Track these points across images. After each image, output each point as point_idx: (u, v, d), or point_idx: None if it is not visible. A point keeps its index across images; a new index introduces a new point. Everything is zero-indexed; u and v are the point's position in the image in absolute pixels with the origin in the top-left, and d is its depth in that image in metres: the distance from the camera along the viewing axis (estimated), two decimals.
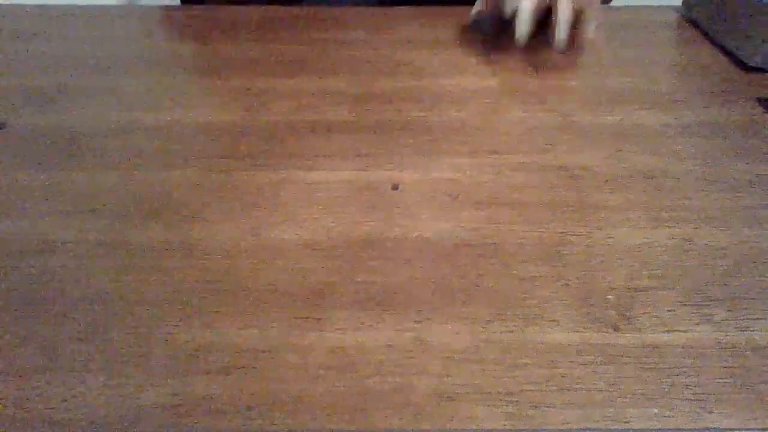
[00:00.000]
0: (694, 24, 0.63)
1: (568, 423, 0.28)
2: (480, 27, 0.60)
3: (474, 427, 0.28)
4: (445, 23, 0.63)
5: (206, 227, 0.39)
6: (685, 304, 0.34)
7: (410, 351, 0.31)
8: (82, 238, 0.38)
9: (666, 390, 0.30)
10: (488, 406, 0.29)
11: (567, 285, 0.35)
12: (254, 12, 0.65)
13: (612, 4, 0.67)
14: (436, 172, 0.43)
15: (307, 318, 0.33)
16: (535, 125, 0.48)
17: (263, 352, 0.31)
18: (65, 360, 0.31)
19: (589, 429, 0.28)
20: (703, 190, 0.42)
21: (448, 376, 0.30)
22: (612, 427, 0.28)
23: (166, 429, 0.28)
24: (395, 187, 0.42)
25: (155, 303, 0.34)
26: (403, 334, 0.32)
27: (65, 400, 0.29)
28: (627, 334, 0.32)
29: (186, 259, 0.37)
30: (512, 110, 0.50)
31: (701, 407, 0.29)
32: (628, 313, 0.33)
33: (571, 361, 0.31)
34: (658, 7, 0.66)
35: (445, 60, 0.57)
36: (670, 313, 0.33)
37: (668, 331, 0.32)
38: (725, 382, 0.30)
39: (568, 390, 0.30)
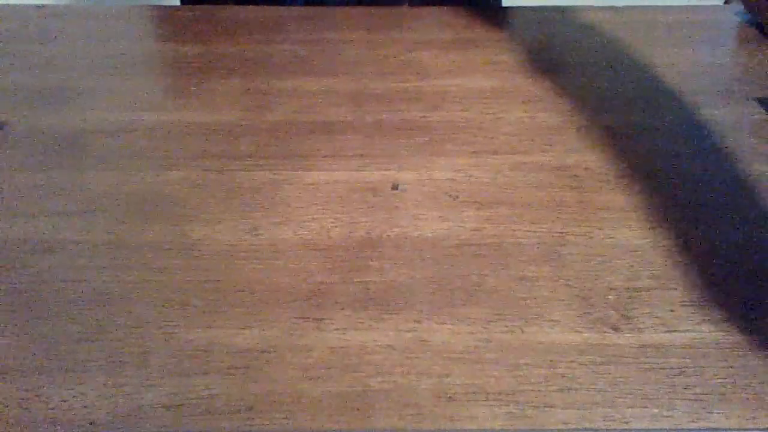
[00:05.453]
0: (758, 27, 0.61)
1: (568, 423, 0.28)
2: None
3: (474, 427, 0.28)
4: (446, 23, 0.63)
5: (206, 227, 0.39)
6: (685, 304, 0.34)
7: (410, 351, 0.31)
8: (82, 238, 0.38)
9: (666, 390, 0.30)
10: (488, 406, 0.29)
11: (567, 285, 0.35)
12: (254, 12, 0.65)
13: (614, 4, 0.67)
14: (436, 172, 0.43)
15: (307, 318, 0.33)
16: (535, 125, 0.48)
17: (263, 352, 0.31)
18: (65, 360, 0.31)
19: (589, 429, 0.28)
20: (702, 190, 0.42)
21: (448, 376, 0.30)
22: (612, 427, 0.28)
23: (166, 429, 0.28)
24: (395, 187, 0.42)
25: (155, 303, 0.34)
26: (403, 334, 0.32)
27: (65, 400, 0.29)
28: (627, 334, 0.32)
29: (186, 259, 0.37)
30: (512, 110, 0.50)
31: (701, 407, 0.29)
32: (628, 313, 0.33)
33: (571, 361, 0.31)
34: (662, 7, 0.65)
35: (445, 60, 0.57)
36: (670, 313, 0.33)
37: (668, 331, 0.32)
38: (725, 382, 0.30)
39: (568, 390, 0.30)
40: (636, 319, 0.33)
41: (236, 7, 0.66)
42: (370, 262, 0.36)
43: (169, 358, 0.31)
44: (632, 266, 0.36)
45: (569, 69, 0.55)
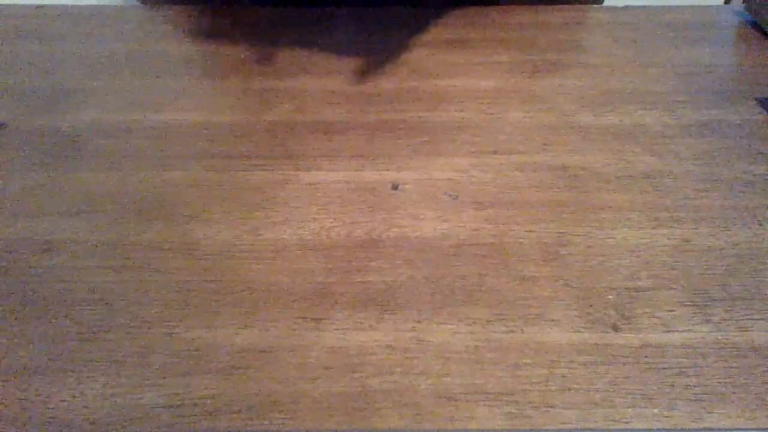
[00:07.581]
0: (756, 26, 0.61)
1: (568, 423, 0.28)
2: None
3: (474, 427, 0.28)
4: (445, 24, 0.63)
5: (206, 227, 0.39)
6: (685, 304, 0.34)
7: (410, 351, 0.31)
8: (82, 238, 0.38)
9: (666, 390, 0.30)
10: (488, 406, 0.29)
11: (567, 285, 0.35)
12: (254, 12, 0.65)
13: (614, 4, 0.67)
14: (436, 172, 0.43)
15: (307, 318, 0.33)
16: (535, 125, 0.48)
17: (263, 352, 0.31)
18: (65, 360, 0.31)
19: (589, 429, 0.28)
20: (703, 190, 0.42)
21: (448, 376, 0.30)
22: (612, 427, 0.28)
23: (166, 429, 0.28)
24: (395, 187, 0.42)
25: (155, 303, 0.34)
26: (403, 334, 0.32)
27: (65, 400, 0.29)
28: (627, 334, 0.32)
29: (186, 259, 0.37)
30: (512, 110, 0.50)
31: (701, 407, 0.29)
32: (628, 313, 0.33)
33: (571, 361, 0.31)
34: (662, 7, 0.65)
35: (445, 60, 0.57)
36: (670, 313, 0.33)
37: (668, 331, 0.32)
38: (725, 382, 0.30)
39: (568, 390, 0.30)
40: (636, 319, 0.33)
41: (236, 7, 0.66)
42: (370, 262, 0.36)
43: (169, 358, 0.31)
44: (632, 266, 0.36)
45: (569, 69, 0.55)
